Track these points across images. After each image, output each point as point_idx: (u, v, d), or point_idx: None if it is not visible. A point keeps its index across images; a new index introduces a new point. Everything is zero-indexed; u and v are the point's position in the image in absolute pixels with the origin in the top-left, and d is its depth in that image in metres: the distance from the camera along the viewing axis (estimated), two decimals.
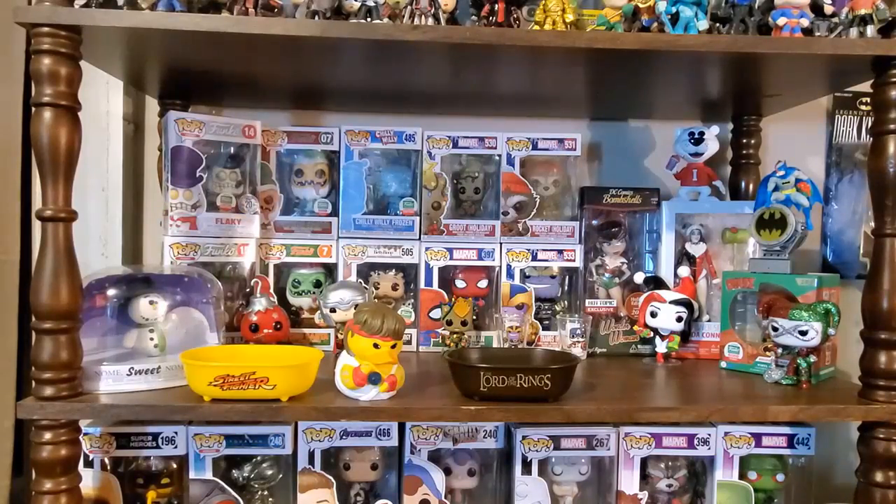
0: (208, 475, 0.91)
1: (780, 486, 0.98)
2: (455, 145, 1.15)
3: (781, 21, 0.85)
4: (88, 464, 0.90)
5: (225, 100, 1.19)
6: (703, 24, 0.86)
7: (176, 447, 0.90)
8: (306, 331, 1.14)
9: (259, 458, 0.95)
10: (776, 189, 1.03)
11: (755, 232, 1.03)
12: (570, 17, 0.87)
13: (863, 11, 0.83)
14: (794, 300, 0.96)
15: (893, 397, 0.84)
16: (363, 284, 1.13)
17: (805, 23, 0.85)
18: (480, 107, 1.20)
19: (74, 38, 0.76)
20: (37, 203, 0.94)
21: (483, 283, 1.16)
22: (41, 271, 0.76)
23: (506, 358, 0.94)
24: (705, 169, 1.16)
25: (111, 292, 0.91)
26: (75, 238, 0.78)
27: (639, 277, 1.14)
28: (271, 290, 1.10)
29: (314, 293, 1.14)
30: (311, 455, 0.93)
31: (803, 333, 0.91)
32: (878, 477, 0.84)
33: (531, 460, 0.93)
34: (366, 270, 1.16)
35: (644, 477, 0.97)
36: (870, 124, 0.91)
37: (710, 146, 1.15)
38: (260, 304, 1.05)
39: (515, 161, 1.15)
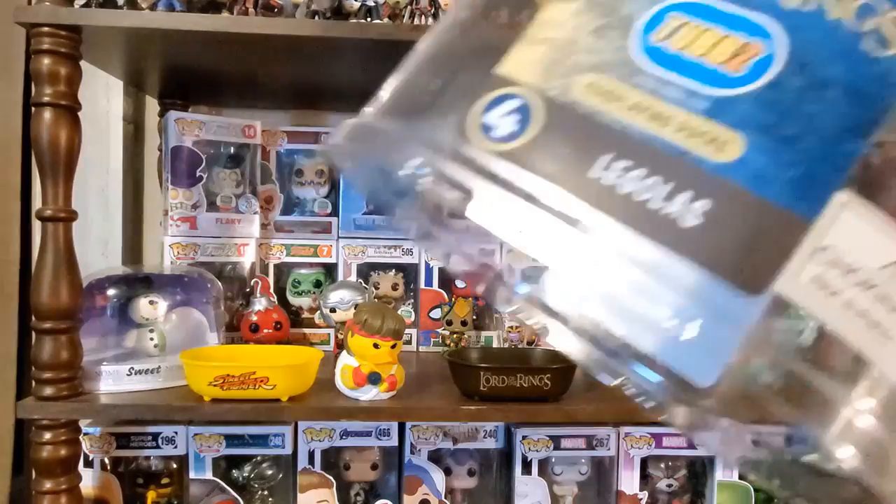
0: (208, 475, 0.91)
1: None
2: None
3: None
4: (88, 464, 0.90)
5: (225, 100, 1.19)
6: None
7: (176, 447, 0.90)
8: (306, 331, 1.14)
9: (259, 458, 0.95)
10: None
11: None
12: None
13: None
14: None
15: None
16: (363, 284, 1.13)
17: None
18: None
19: (74, 38, 0.76)
20: (37, 203, 0.94)
21: None
22: (41, 271, 0.76)
23: (506, 358, 0.94)
24: None
25: (111, 292, 0.91)
26: (75, 238, 0.78)
27: None
28: (271, 290, 1.10)
29: (314, 293, 1.14)
30: (311, 455, 0.93)
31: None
32: None
33: (531, 460, 0.93)
34: (366, 270, 1.16)
35: (644, 477, 0.97)
36: None
37: None
38: (260, 304, 1.05)
39: None
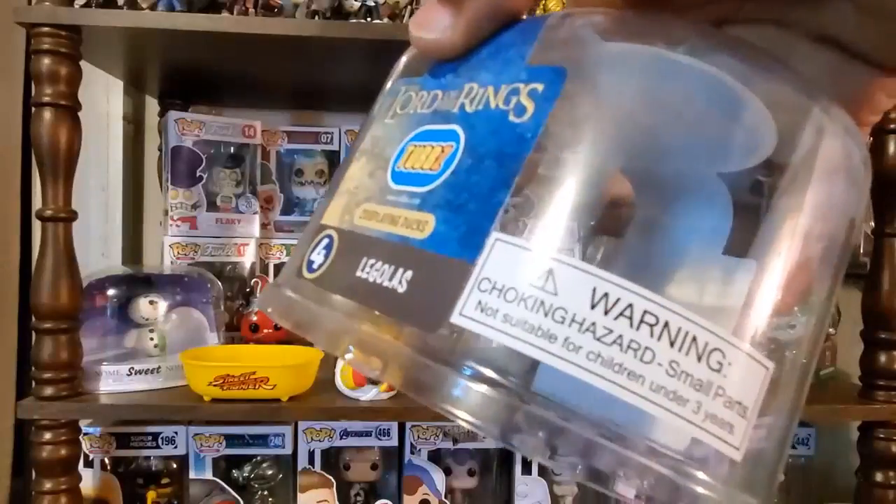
0: (208, 475, 0.91)
1: (781, 485, 0.98)
2: None
3: None
4: (88, 464, 0.90)
5: (225, 100, 1.19)
6: None
7: (176, 447, 0.90)
8: None
9: (259, 458, 0.95)
10: None
11: None
12: None
13: None
14: None
15: (893, 397, 0.84)
16: None
17: None
18: None
19: (74, 38, 0.76)
20: (37, 203, 0.94)
21: None
22: (41, 271, 0.76)
23: None
24: None
25: (111, 292, 0.91)
26: (75, 238, 0.78)
27: None
28: None
29: None
30: (311, 455, 0.93)
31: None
32: (878, 477, 0.84)
33: (531, 460, 0.93)
34: None
35: None
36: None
37: None
38: None
39: None
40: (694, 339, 0.16)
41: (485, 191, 0.17)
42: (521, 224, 0.17)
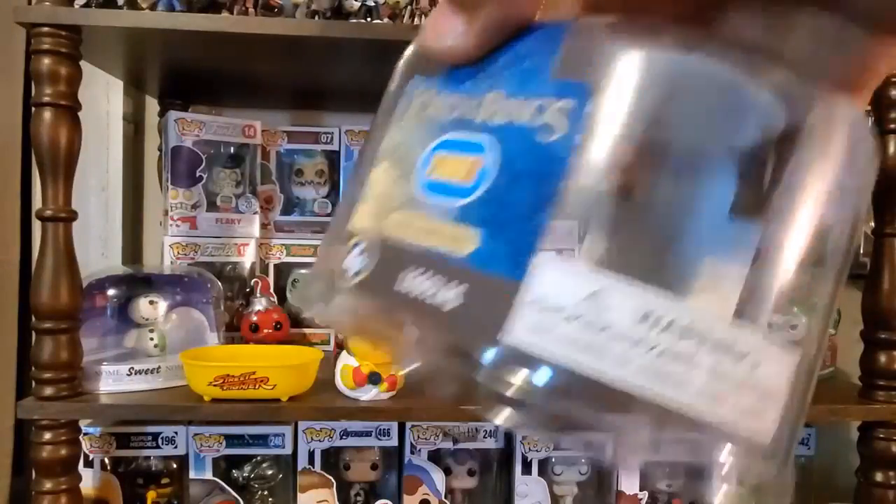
0: (208, 475, 0.91)
1: None
2: None
3: None
4: (88, 464, 0.90)
5: (225, 100, 1.19)
6: None
7: (176, 447, 0.90)
8: (306, 331, 1.13)
9: (259, 458, 0.95)
10: None
11: None
12: None
13: None
14: None
15: (893, 397, 0.84)
16: None
17: None
18: None
19: (74, 38, 0.76)
20: (37, 203, 0.94)
21: None
22: (41, 271, 0.76)
23: None
24: None
25: (111, 292, 0.91)
26: (75, 238, 0.78)
27: None
28: (271, 290, 1.10)
29: None
30: (311, 455, 0.93)
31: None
32: (878, 477, 0.84)
33: (531, 460, 0.93)
34: None
35: (644, 476, 0.97)
36: (870, 124, 0.91)
37: None
38: (260, 304, 1.05)
39: None
40: (730, 346, 0.17)
41: (525, 209, 0.18)
42: (565, 241, 0.18)
